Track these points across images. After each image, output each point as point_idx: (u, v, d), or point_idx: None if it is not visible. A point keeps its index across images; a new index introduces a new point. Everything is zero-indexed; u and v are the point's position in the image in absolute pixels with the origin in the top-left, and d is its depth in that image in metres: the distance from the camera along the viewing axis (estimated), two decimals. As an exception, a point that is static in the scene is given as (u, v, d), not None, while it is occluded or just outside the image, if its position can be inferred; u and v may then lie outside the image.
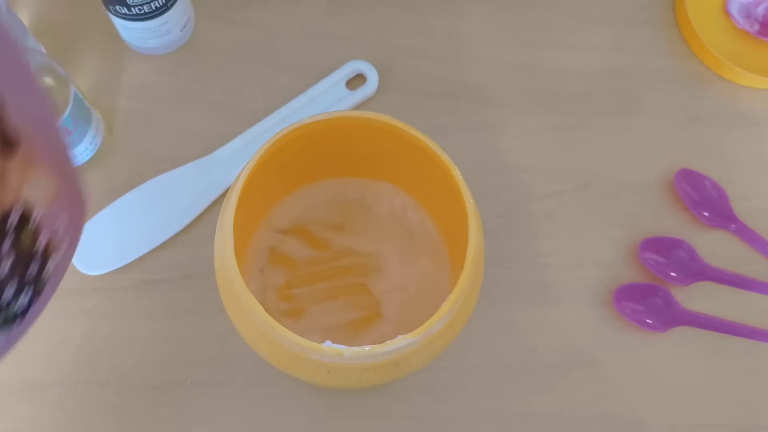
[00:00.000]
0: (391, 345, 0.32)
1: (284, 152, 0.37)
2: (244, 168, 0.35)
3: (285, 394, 0.42)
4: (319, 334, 0.41)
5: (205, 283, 0.44)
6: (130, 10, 0.45)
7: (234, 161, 0.47)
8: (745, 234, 0.48)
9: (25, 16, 0.47)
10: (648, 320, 0.45)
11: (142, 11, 0.45)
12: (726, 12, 0.55)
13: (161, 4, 0.46)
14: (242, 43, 0.52)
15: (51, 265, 0.23)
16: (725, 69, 0.53)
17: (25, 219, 0.21)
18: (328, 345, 0.31)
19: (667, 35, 0.55)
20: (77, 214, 0.24)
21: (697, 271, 0.47)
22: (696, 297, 0.46)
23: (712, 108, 0.53)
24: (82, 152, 0.44)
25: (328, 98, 0.49)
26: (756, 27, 0.54)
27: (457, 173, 0.36)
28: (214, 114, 0.49)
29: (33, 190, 0.21)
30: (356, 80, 0.51)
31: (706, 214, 0.48)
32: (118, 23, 0.47)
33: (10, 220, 0.21)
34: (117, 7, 0.45)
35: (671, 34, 0.55)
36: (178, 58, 0.51)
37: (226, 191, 0.46)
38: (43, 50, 0.48)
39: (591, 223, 0.48)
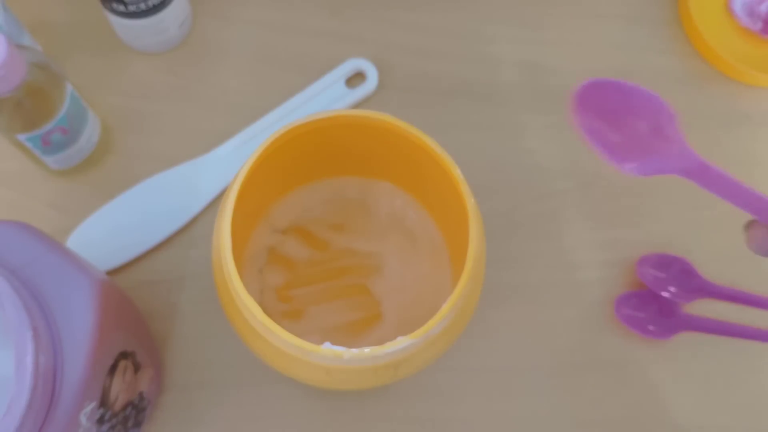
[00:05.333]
0: (391, 347, 0.31)
1: (283, 151, 0.37)
2: (242, 167, 0.35)
3: (284, 395, 0.42)
4: (318, 335, 0.41)
5: (202, 284, 0.44)
6: (126, 7, 0.45)
7: (232, 160, 0.46)
8: None
9: (21, 14, 0.47)
10: (650, 327, 0.44)
11: (139, 9, 0.45)
12: (729, 10, 0.54)
13: (158, 1, 0.45)
14: (240, 40, 0.51)
15: (147, 412, 0.39)
16: (728, 67, 0.52)
17: (140, 398, 0.38)
18: (327, 346, 0.31)
19: (670, 33, 0.55)
20: (158, 374, 0.40)
21: (698, 287, 0.46)
22: (698, 302, 0.46)
23: (715, 106, 0.52)
24: (78, 151, 0.44)
25: (327, 96, 0.49)
26: (759, 25, 0.54)
27: (457, 172, 0.35)
28: (211, 112, 0.49)
29: (143, 381, 0.37)
30: (356, 78, 0.50)
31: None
32: (115, 21, 0.47)
33: (135, 403, 0.37)
34: (113, 5, 0.45)
35: (674, 32, 0.55)
36: (175, 56, 0.50)
37: (224, 190, 0.45)
38: (39, 48, 0.48)
39: (593, 223, 0.48)
